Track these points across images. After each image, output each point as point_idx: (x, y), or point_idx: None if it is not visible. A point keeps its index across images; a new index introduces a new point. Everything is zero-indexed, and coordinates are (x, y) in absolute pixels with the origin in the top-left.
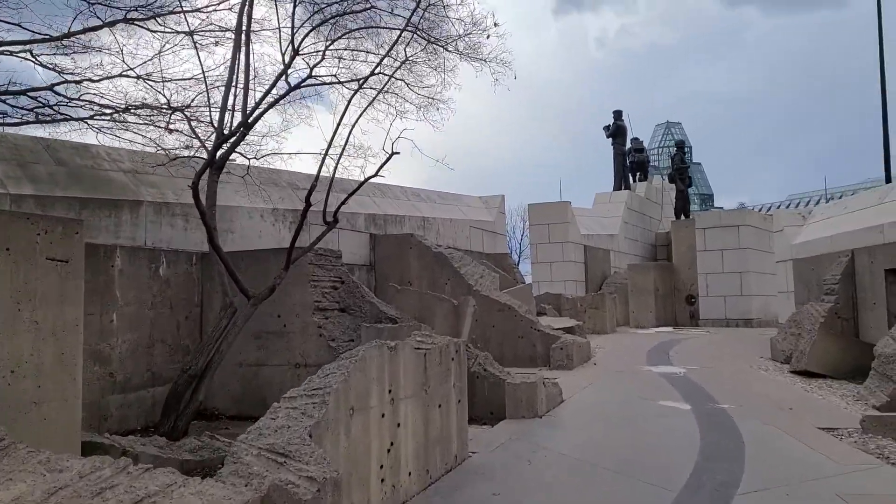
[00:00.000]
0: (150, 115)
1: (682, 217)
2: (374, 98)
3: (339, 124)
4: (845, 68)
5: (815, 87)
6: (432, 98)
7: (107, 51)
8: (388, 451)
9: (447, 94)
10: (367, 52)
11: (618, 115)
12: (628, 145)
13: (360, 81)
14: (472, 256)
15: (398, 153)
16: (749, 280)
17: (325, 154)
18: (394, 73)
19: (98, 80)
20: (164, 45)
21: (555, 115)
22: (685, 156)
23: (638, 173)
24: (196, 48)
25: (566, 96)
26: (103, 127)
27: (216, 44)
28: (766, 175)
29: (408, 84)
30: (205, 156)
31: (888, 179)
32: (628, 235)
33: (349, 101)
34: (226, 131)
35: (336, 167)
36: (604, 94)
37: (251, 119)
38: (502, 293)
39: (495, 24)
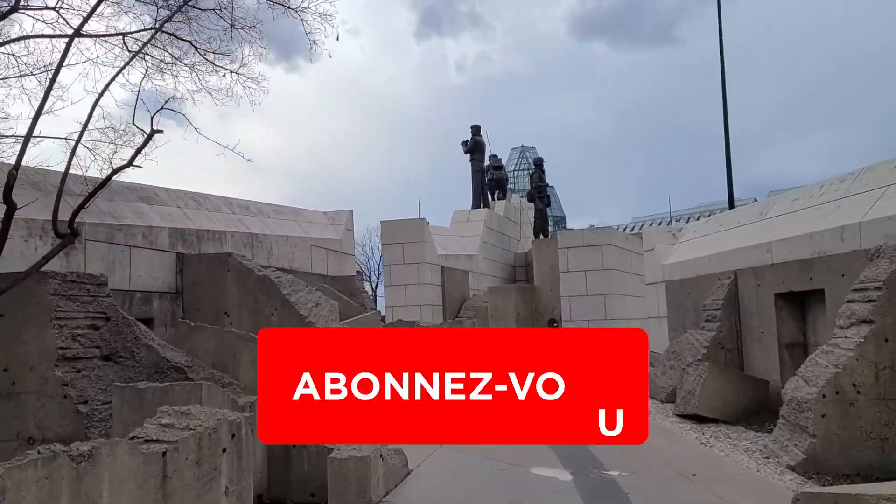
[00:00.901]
0: None
1: (542, 236)
2: (136, 55)
3: (52, 82)
4: (687, 100)
5: (658, 117)
6: (233, 70)
7: None
8: None
9: (259, 69)
10: None
11: (476, 130)
12: (487, 162)
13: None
14: (311, 280)
15: (160, 131)
16: (614, 303)
17: (29, 134)
18: (163, 22)
19: None
20: None
21: (415, 136)
22: (543, 174)
23: (497, 191)
24: None
25: (426, 118)
26: None
27: None
28: (612, 199)
29: (194, 46)
30: None
31: (731, 205)
32: (487, 256)
33: (65, 52)
34: None
35: (72, 156)
36: (463, 117)
37: None
38: (342, 324)
39: None
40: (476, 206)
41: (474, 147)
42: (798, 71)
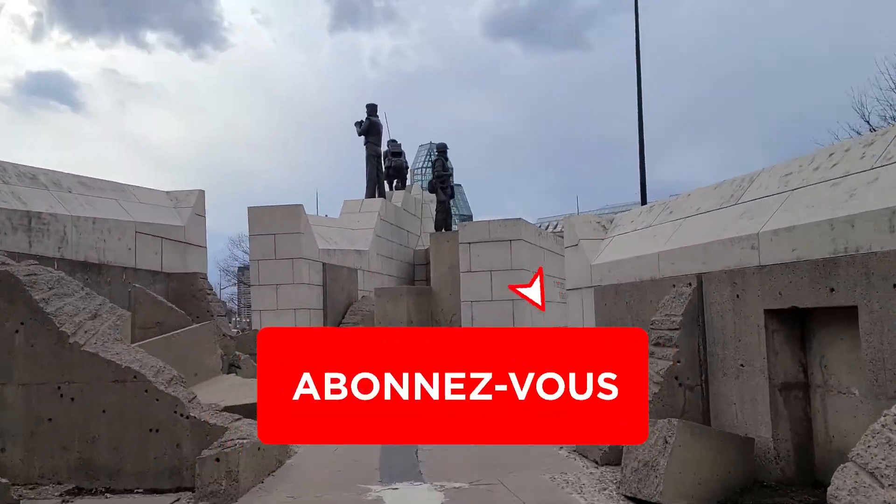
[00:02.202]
0: None
1: (444, 231)
2: None
3: None
4: (595, 104)
5: (568, 119)
6: None
7: None
8: None
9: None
10: None
11: (372, 109)
12: (384, 147)
13: None
14: (137, 277)
15: None
16: (523, 311)
17: None
18: None
19: None
20: None
21: (324, 131)
22: (447, 161)
23: (395, 180)
24: None
25: (336, 112)
26: None
27: None
28: (521, 199)
29: None
30: None
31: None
32: (382, 252)
33: None
34: None
35: None
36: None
37: None
38: (134, 347)
39: None
40: (370, 195)
41: (369, 128)
42: (692, 80)
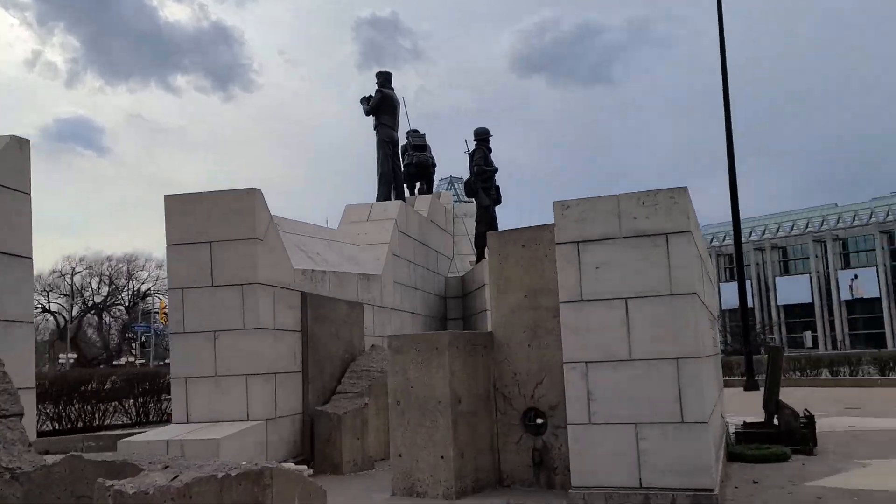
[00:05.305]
0: None
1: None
2: None
3: None
4: (622, 136)
5: (584, 153)
6: None
7: None
8: None
9: None
10: None
11: (384, 79)
12: (403, 140)
13: None
14: None
15: None
16: (696, 379)
17: None
18: None
19: None
20: None
21: (353, 171)
22: (489, 153)
23: (419, 182)
24: None
25: (364, 152)
26: None
27: None
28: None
29: None
30: None
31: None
32: (401, 278)
33: None
34: None
35: None
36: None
37: None
38: None
39: None
40: (385, 197)
41: (380, 104)
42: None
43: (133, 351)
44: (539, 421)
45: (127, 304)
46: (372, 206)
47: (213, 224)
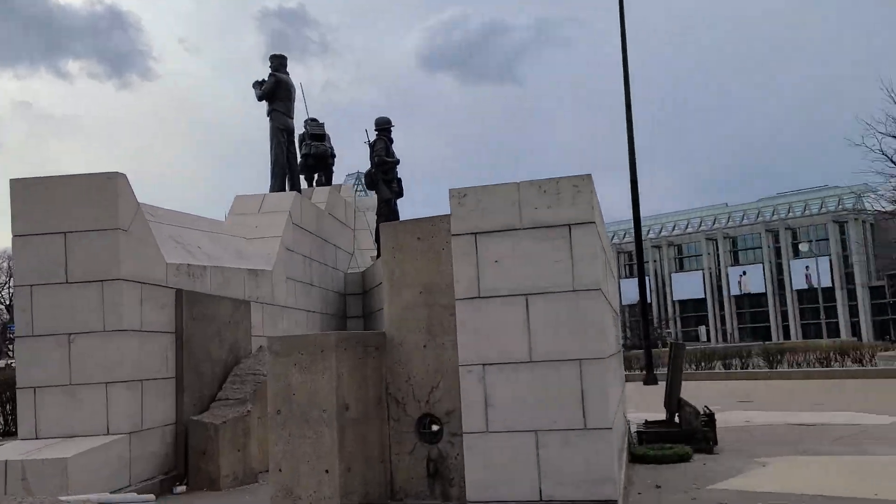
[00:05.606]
0: None
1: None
2: None
3: None
4: (527, 135)
5: (490, 151)
6: None
7: None
8: None
9: None
10: None
11: (279, 63)
12: (301, 129)
13: None
14: None
15: None
16: (601, 381)
17: None
18: None
19: None
20: None
21: (254, 164)
22: (391, 144)
23: (318, 173)
24: None
25: (266, 144)
26: None
27: None
28: None
29: None
30: None
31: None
32: (295, 274)
33: None
34: None
35: None
36: None
37: None
38: None
39: None
40: (279, 188)
41: (275, 90)
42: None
43: (10, 353)
44: (435, 428)
45: (7, 302)
46: (264, 198)
47: (69, 212)
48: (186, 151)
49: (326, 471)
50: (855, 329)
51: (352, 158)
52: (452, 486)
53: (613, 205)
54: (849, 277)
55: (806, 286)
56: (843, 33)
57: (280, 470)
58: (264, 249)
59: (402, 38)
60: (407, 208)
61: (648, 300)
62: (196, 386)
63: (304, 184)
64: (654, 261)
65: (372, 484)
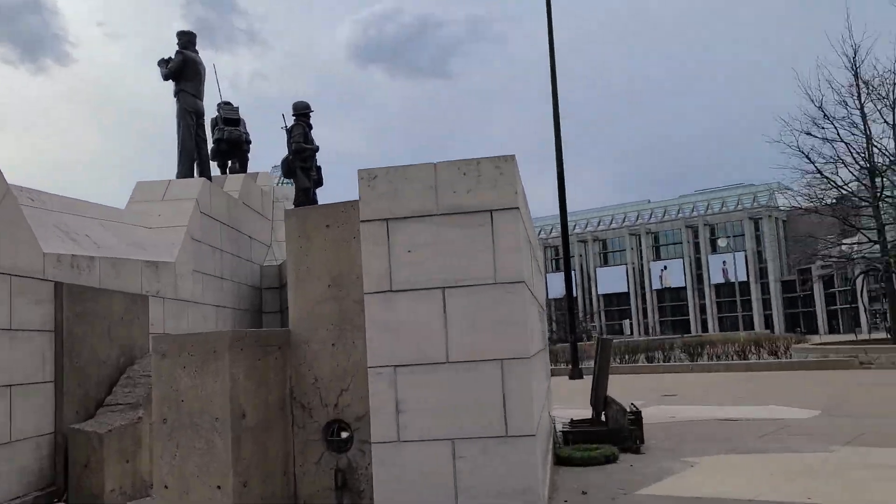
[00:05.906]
0: None
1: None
2: None
3: None
4: (460, 128)
5: (421, 144)
6: None
7: None
8: None
9: None
10: None
11: (187, 41)
12: (214, 112)
13: None
14: None
15: None
16: (522, 383)
17: None
18: None
19: None
20: None
21: (171, 154)
22: (310, 130)
23: (232, 160)
24: None
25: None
26: None
27: None
28: None
29: None
30: None
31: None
32: (204, 267)
33: None
34: None
35: None
36: None
37: None
38: None
39: None
40: (186, 174)
41: (182, 69)
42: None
43: None
44: (344, 435)
45: None
46: (169, 184)
47: None
48: (106, 139)
49: (219, 487)
50: (768, 322)
51: (280, 150)
52: (363, 499)
53: (541, 202)
54: (762, 272)
55: (723, 280)
56: (761, 30)
57: (166, 486)
58: (168, 239)
59: (334, 30)
60: (328, 199)
61: (574, 294)
62: (80, 391)
63: (217, 171)
64: (580, 255)
65: (273, 499)
